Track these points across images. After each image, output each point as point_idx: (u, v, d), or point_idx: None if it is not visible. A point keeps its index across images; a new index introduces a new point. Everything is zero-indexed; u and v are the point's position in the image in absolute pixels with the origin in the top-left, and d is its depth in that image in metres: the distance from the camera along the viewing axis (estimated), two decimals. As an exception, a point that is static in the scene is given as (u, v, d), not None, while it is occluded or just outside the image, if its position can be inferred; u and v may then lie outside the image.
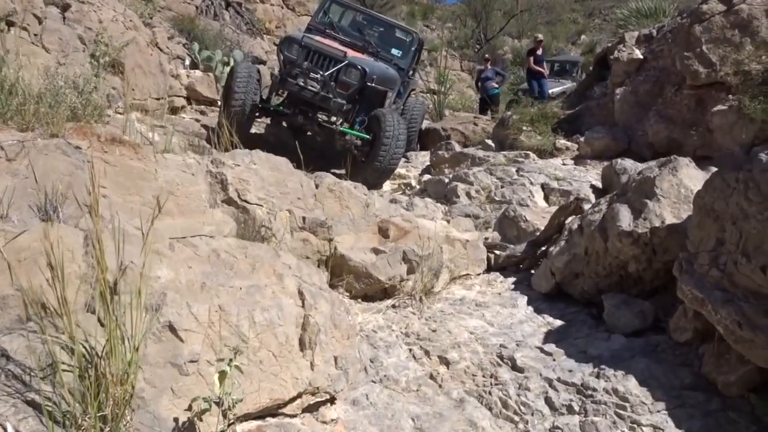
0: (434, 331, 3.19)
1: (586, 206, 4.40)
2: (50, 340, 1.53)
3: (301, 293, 2.21)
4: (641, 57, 8.44)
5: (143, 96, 7.69)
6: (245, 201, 3.24)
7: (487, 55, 15.65)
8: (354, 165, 7.56)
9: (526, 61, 14.13)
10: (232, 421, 1.66)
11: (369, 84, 7.33)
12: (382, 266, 3.44)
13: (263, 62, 12.26)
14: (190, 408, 1.62)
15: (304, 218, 3.37)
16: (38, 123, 2.29)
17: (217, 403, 1.64)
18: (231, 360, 1.63)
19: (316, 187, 3.68)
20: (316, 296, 2.24)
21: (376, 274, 3.40)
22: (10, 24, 5.45)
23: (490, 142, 8.93)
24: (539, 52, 13.10)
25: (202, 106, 9.19)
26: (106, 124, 3.42)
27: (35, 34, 5.78)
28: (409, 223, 3.80)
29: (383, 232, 3.65)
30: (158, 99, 8.07)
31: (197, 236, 2.37)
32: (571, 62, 17.16)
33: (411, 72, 9.03)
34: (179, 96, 8.50)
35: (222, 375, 1.61)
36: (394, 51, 8.54)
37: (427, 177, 7.59)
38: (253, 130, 8.22)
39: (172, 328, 1.70)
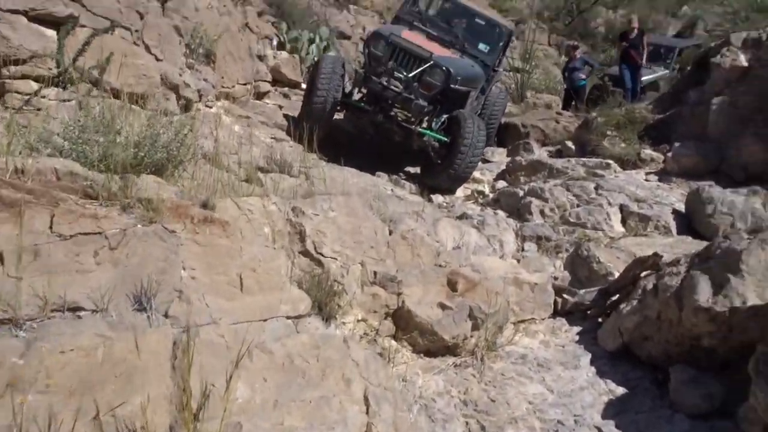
0: (493, 401, 3.27)
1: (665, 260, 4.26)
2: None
3: (366, 399, 2.35)
4: (746, 65, 7.85)
5: (231, 83, 7.91)
6: (320, 254, 3.37)
7: (575, 43, 14.58)
8: (429, 166, 7.58)
9: (617, 46, 13.19)
10: None
11: (452, 85, 7.23)
12: (448, 324, 3.52)
13: (348, 37, 12.26)
14: None
15: (375, 272, 3.48)
16: (139, 203, 2.47)
17: None
18: None
19: (390, 233, 3.76)
20: (380, 400, 2.37)
21: (441, 332, 3.48)
22: (115, 25, 5.66)
23: (570, 144, 8.70)
24: (632, 36, 11.47)
25: (286, 89, 9.37)
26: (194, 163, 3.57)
27: (136, 30, 5.98)
28: (477, 274, 3.83)
29: (452, 285, 3.71)
30: (245, 84, 8.29)
31: (275, 318, 2.54)
32: (666, 47, 15.24)
33: (497, 64, 8.78)
34: (265, 81, 8.69)
35: None
36: (482, 46, 8.30)
37: (501, 184, 7.51)
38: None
39: (247, 460, 1.88)
